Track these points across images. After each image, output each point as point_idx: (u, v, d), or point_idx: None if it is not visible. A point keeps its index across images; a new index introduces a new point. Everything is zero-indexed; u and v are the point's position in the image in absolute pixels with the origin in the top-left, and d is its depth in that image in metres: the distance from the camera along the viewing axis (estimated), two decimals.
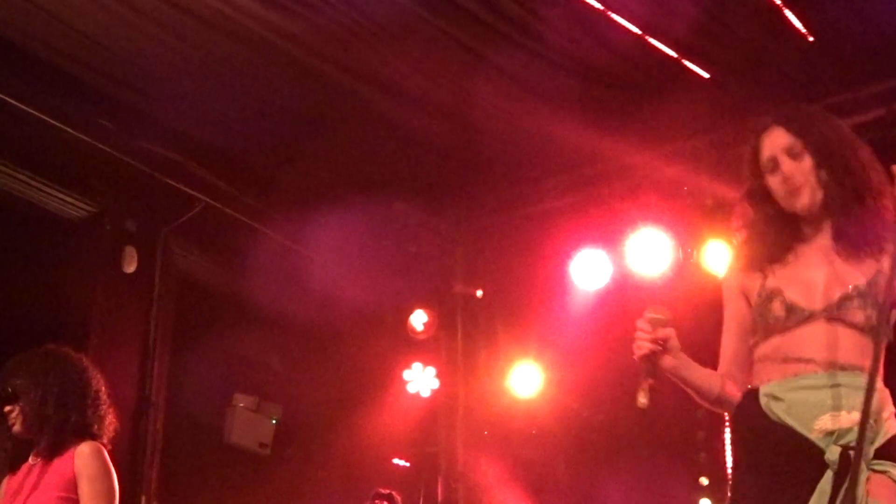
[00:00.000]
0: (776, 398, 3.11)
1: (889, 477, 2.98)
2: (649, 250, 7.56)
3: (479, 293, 8.94)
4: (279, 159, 7.77)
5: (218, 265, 8.30)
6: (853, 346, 3.09)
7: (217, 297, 8.25)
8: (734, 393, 3.29)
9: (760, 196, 3.35)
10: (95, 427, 4.55)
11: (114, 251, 7.55)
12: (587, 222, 7.84)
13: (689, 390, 3.32)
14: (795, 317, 3.14)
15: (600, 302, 7.91)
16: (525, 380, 8.54)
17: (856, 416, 2.94)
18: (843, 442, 2.99)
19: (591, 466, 8.42)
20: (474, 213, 8.80)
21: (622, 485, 7.87)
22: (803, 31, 6.65)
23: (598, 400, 8.35)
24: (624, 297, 7.58)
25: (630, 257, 7.67)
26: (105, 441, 4.54)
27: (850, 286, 3.13)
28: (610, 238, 7.83)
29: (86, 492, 4.37)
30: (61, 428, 4.46)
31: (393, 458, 8.96)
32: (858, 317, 3.10)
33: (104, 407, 4.61)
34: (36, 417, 4.46)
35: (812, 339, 3.11)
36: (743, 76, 7.05)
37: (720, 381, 3.31)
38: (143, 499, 7.32)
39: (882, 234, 3.21)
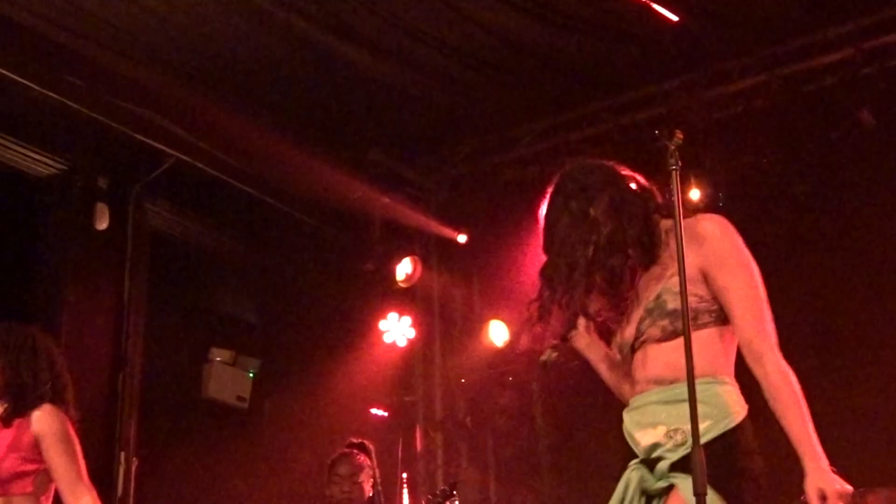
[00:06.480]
0: (622, 419, 3.47)
1: (677, 490, 3.18)
2: None
3: (463, 238, 8.93)
4: (250, 113, 7.72)
5: (190, 220, 8.27)
6: (660, 359, 3.40)
7: (190, 252, 8.23)
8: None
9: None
10: (54, 391, 4.57)
11: (85, 208, 7.50)
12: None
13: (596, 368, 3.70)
14: (625, 349, 3.50)
15: None
16: (499, 328, 8.59)
17: (661, 430, 3.28)
18: (655, 455, 3.28)
19: (568, 411, 8.47)
20: (448, 162, 8.81)
21: (599, 428, 7.92)
22: None
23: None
24: None
25: None
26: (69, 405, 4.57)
27: (643, 309, 3.44)
28: None
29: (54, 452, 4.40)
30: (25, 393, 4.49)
31: (371, 408, 8.98)
32: (654, 332, 3.39)
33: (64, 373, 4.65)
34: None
35: (637, 364, 3.47)
36: (713, 20, 7.05)
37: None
38: (123, 455, 7.33)
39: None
